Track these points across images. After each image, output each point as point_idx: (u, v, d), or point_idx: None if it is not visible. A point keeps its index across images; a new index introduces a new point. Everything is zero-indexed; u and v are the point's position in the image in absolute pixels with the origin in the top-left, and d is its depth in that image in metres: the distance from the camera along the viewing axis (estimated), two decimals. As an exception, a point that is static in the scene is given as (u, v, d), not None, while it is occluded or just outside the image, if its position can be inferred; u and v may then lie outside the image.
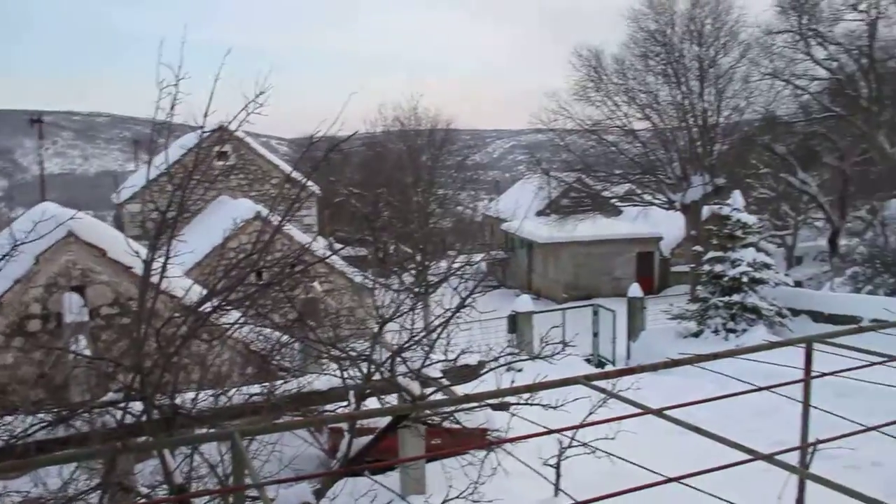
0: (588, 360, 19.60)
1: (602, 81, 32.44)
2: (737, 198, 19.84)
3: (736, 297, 18.83)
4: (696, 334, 19.35)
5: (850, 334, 4.86)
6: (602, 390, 4.13)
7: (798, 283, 31.72)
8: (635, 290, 21.08)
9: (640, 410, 3.33)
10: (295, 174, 13.38)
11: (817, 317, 19.41)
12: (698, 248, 20.28)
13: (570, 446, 10.41)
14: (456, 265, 11.01)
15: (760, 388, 4.23)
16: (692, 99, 31.90)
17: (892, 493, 8.52)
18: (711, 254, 19.50)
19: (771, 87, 33.45)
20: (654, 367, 4.65)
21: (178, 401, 6.25)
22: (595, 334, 20.86)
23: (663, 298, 28.82)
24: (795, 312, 19.79)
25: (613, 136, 33.63)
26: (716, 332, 19.05)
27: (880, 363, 4.18)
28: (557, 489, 10.59)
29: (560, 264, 39.10)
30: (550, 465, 10.66)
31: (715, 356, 4.29)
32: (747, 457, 2.86)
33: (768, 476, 3.70)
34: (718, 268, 19.05)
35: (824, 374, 4.44)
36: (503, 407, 13.05)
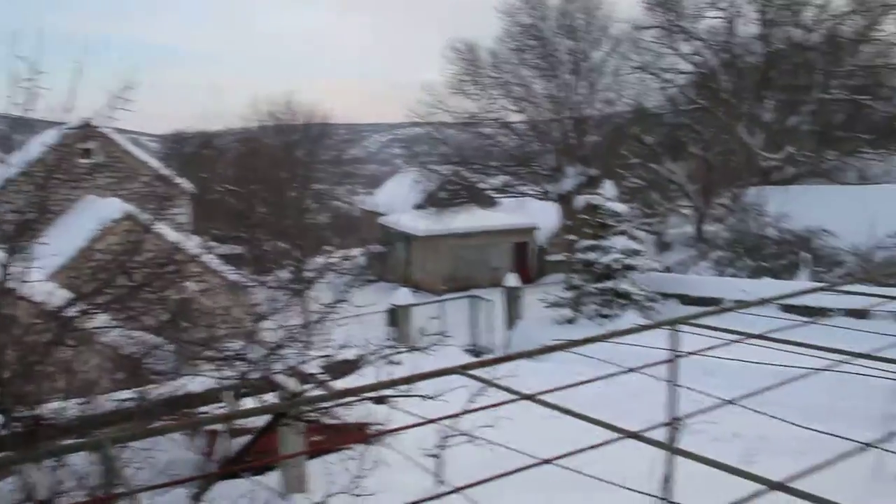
0: (468, 351, 19.74)
1: (478, 75, 32.76)
2: (608, 188, 20.36)
3: (608, 284, 19.35)
4: (572, 321, 19.78)
5: (714, 314, 5.05)
6: (480, 379, 4.09)
7: (668, 269, 32.97)
8: (512, 279, 21.35)
9: (515, 397, 3.29)
10: (165, 171, 12.91)
11: (685, 299, 20.19)
12: (572, 236, 20.69)
13: (450, 436, 10.42)
14: (331, 261, 10.83)
15: (630, 370, 4.20)
16: (566, 92, 32.63)
17: (750, 460, 8.94)
18: (584, 242, 19.96)
19: (640, 80, 34.64)
20: (529, 354, 4.64)
21: (41, 411, 5.86)
22: (474, 325, 21.03)
23: (540, 287, 29.34)
24: (665, 296, 20.51)
25: (490, 129, 34.03)
26: (590, 318, 19.53)
27: (738, 341, 4.28)
28: (438, 478, 10.57)
29: (438, 257, 39.21)
30: (432, 456, 10.63)
31: (587, 341, 4.21)
32: (618, 436, 2.84)
33: (640, 453, 3.67)
34: (591, 256, 19.52)
35: (690, 354, 4.53)
36: (382, 400, 12.96)
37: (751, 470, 2.45)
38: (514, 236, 39.62)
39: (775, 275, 22.16)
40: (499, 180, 36.24)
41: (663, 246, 40.85)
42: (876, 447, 3.30)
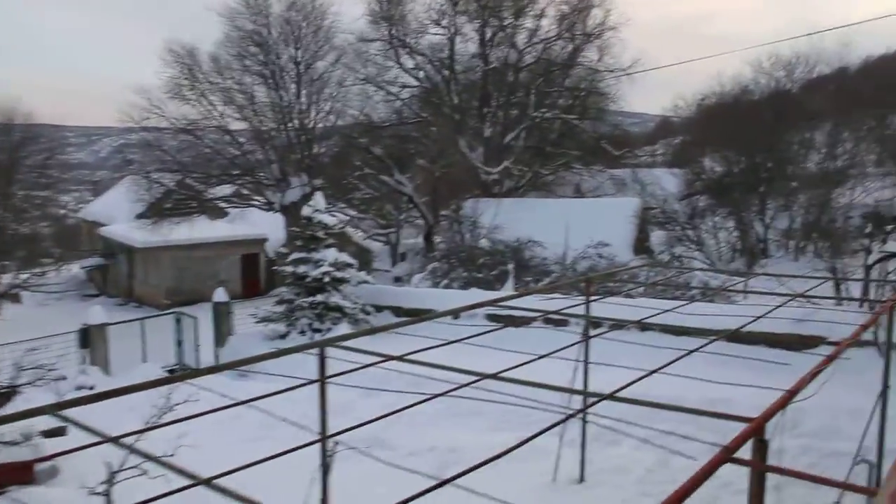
0: (170, 370, 18.54)
1: (197, 80, 31.26)
2: (318, 199, 19.99)
3: (320, 297, 18.97)
4: (284, 336, 19.18)
5: (363, 335, 5.25)
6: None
7: (398, 279, 33.35)
8: (221, 294, 20.36)
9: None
10: None
11: (398, 311, 20.23)
12: (283, 249, 20.13)
13: (121, 469, 9.49)
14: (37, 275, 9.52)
15: (279, 392, 4.62)
16: (290, 101, 32.04)
17: (442, 473, 9.00)
18: (294, 255, 19.46)
19: (366, 92, 34.83)
20: (197, 374, 4.92)
21: None
22: (179, 343, 19.87)
23: (271, 299, 28.46)
24: (379, 308, 20.45)
25: (214, 136, 32.66)
26: (302, 332, 19.01)
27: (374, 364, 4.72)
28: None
29: (161, 269, 37.11)
30: (99, 494, 9.63)
31: (261, 358, 4.58)
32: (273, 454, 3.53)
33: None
34: (302, 269, 19.06)
35: (340, 373, 4.69)
36: (59, 432, 11.66)
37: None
38: (242, 248, 38.34)
39: (488, 285, 22.88)
40: (226, 190, 34.92)
41: (399, 257, 41.45)
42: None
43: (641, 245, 31.28)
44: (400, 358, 4.87)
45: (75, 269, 42.54)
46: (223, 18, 31.30)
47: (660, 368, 4.99)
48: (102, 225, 40.10)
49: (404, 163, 37.25)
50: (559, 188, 41.07)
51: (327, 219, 19.52)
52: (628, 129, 62.31)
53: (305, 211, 19.66)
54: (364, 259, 38.79)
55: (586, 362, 8.68)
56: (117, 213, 39.41)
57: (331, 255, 19.29)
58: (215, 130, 31.99)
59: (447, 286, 22.92)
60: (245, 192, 33.26)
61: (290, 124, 31.97)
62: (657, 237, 33.95)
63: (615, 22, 34.96)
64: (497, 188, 34.28)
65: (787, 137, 35.40)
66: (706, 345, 6.38)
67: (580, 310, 16.35)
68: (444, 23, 34.09)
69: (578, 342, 8.30)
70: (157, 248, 35.93)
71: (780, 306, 8.39)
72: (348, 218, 39.98)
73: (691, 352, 5.66)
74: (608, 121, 40.16)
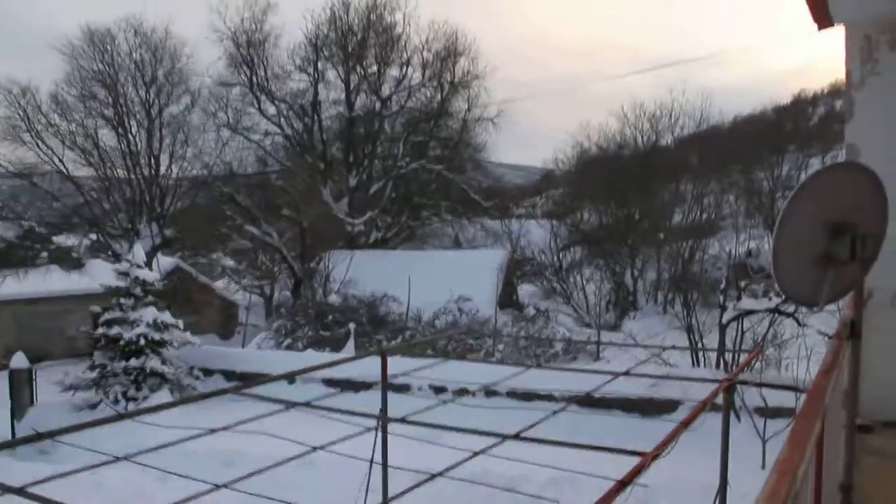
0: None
1: (34, 121, 28.64)
2: (137, 251, 18.10)
3: (137, 362, 17.06)
4: (95, 405, 17.15)
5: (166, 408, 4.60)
6: None
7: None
8: (20, 360, 18.08)
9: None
10: None
11: (230, 376, 18.55)
12: (96, 308, 18.14)
13: None
14: None
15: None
16: (139, 146, 30.02)
17: None
18: (107, 315, 17.52)
19: (226, 138, 33.08)
20: None
21: None
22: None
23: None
24: (209, 372, 18.71)
25: (55, 183, 30.14)
26: (115, 401, 17.04)
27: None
28: None
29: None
30: None
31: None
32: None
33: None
34: (115, 330, 17.14)
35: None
36: None
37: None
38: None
39: (336, 344, 21.43)
40: (74, 239, 32.39)
41: (274, 310, 39.42)
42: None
43: (509, 298, 30.37)
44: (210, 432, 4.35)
45: None
46: (65, 56, 29.06)
47: (498, 443, 4.04)
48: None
49: (271, 212, 35.59)
50: (436, 240, 40.14)
51: (147, 274, 17.67)
52: (512, 181, 62.36)
53: (122, 266, 17.77)
54: (228, 314, 36.76)
55: (384, 437, 7.42)
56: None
57: (149, 314, 17.44)
58: (56, 176, 29.48)
59: (290, 346, 21.32)
60: (88, 242, 30.75)
61: (139, 171, 29.83)
62: (526, 290, 33.21)
63: (480, 71, 34.52)
64: (363, 239, 32.91)
65: (656, 189, 35.47)
66: (558, 412, 5.61)
67: (429, 372, 15.03)
68: (309, 69, 32.87)
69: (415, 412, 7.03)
70: (-6, 301, 33.00)
71: (633, 367, 7.77)
72: (220, 270, 37.94)
73: (538, 422, 4.72)
74: (483, 172, 39.56)
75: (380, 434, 6.85)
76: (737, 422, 12.58)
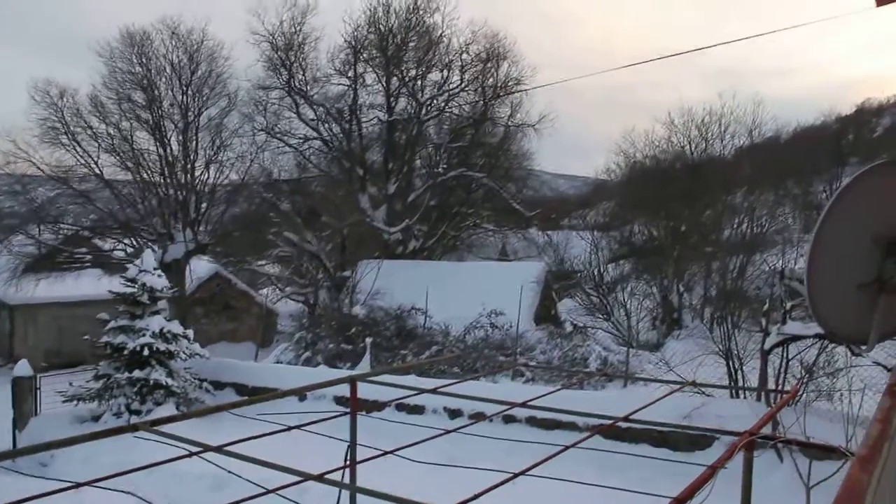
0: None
1: (72, 123, 28.50)
2: (147, 257, 17.49)
3: (142, 373, 16.44)
4: (98, 417, 16.59)
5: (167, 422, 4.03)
6: None
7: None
8: (24, 367, 17.61)
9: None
10: None
11: (242, 389, 17.88)
12: (104, 315, 17.57)
13: None
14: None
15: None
16: (176, 150, 29.71)
17: None
18: (114, 322, 16.94)
19: (266, 143, 32.63)
20: None
21: None
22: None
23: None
24: (220, 386, 18.07)
25: (91, 185, 30.00)
26: (118, 413, 16.45)
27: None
28: None
29: (39, 328, 34.18)
30: None
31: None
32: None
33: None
34: (120, 339, 16.56)
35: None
36: None
37: None
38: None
39: (358, 359, 20.63)
40: (110, 243, 32.27)
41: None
42: None
43: (547, 313, 29.17)
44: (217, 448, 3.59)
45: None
46: (102, 58, 28.83)
47: (512, 477, 3.25)
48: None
49: (311, 219, 35.04)
50: (480, 250, 39.10)
51: (155, 280, 17.06)
52: (565, 191, 61.01)
53: (130, 272, 17.20)
54: (268, 321, 36.22)
55: (353, 472, 6.61)
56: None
57: (156, 323, 16.83)
58: (94, 179, 29.32)
59: (308, 360, 20.56)
60: (122, 246, 30.49)
61: (175, 175, 29.50)
62: (566, 305, 31.95)
63: (522, 75, 33.40)
64: (400, 249, 32.07)
65: (707, 201, 33.92)
66: (579, 442, 4.79)
67: (447, 391, 14.06)
68: (348, 73, 32.18)
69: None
70: (35, 305, 33.03)
71: (667, 395, 6.79)
72: (264, 278, 37.52)
73: (556, 453, 3.92)
74: (530, 181, 38.44)
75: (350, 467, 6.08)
76: (779, 463, 11.27)
